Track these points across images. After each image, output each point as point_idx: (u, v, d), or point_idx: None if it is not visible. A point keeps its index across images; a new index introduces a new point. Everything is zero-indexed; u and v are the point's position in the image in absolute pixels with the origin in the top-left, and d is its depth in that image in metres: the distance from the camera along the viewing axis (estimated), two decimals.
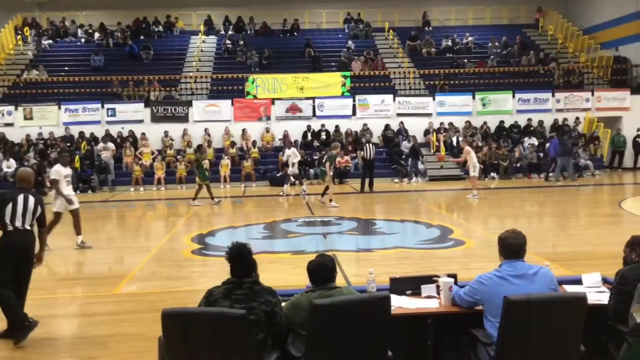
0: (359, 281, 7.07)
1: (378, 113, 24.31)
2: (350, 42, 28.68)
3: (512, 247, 4.20)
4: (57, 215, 10.59)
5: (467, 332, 4.27)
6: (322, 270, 4.09)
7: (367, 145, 19.26)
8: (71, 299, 7.74)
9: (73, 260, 10.40)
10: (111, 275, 9.14)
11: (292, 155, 18.89)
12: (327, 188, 15.97)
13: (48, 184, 10.52)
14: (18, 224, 6.09)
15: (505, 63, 27.41)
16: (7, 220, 6.08)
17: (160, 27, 30.51)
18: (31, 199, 6.24)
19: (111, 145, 22.13)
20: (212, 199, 16.54)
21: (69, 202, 10.65)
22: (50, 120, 23.63)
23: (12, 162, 21.66)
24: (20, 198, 6.18)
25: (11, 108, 23.63)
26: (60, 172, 10.67)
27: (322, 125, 23.86)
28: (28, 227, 6.19)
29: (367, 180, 19.05)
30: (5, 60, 27.98)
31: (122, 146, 22.76)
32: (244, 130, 23.61)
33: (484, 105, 24.60)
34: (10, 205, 6.11)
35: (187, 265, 9.59)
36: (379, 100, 24.41)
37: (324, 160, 16.14)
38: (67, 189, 10.77)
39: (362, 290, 4.54)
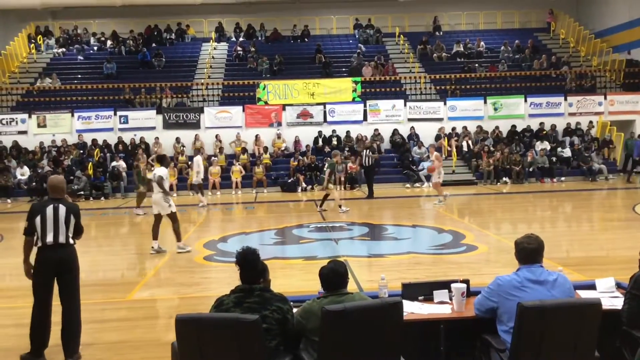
0: (371, 287, 7.06)
1: (389, 118, 24.29)
2: (360, 47, 28.71)
3: (526, 251, 4.17)
4: (174, 215, 10.86)
5: (480, 338, 4.25)
6: (334, 276, 4.08)
7: (364, 152, 19.28)
8: (84, 305, 7.75)
9: (86, 266, 10.44)
10: (124, 282, 9.20)
11: (196, 165, 18.36)
12: (325, 197, 16.13)
13: (160, 186, 10.85)
14: (49, 239, 5.59)
15: (517, 67, 27.33)
16: (38, 236, 5.61)
17: (172, 34, 30.72)
18: (62, 209, 5.67)
19: (122, 163, 22.11)
20: (138, 207, 16.66)
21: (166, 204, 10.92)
22: (63, 127, 23.82)
23: (25, 169, 21.86)
24: (50, 210, 5.63)
25: (25, 116, 23.84)
26: (167, 174, 11.13)
27: (333, 131, 23.88)
28: (62, 241, 5.65)
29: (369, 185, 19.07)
30: (19, 68, 28.27)
31: (135, 153, 22.87)
32: (257, 135, 23.66)
33: (495, 109, 24.53)
34: (38, 219, 5.61)
35: (199, 271, 9.62)
36: (390, 106, 24.40)
37: (325, 169, 16.18)
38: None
39: (374, 296, 4.54)
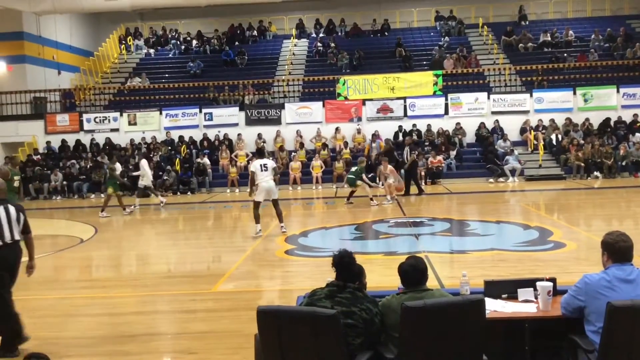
0: (452, 284, 6.96)
1: (472, 111, 23.78)
2: (443, 40, 28.24)
3: (623, 250, 4.00)
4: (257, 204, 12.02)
5: (567, 338, 4.12)
6: (414, 271, 4.06)
7: (405, 149, 19.30)
8: (173, 295, 8.09)
9: (174, 259, 10.88)
10: (210, 274, 9.48)
11: (141, 168, 18.14)
12: (352, 193, 16.67)
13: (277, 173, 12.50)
14: (7, 237, 5.84)
15: (609, 56, 26.07)
16: None
17: (254, 32, 31.32)
18: (11, 209, 5.95)
19: (206, 160, 22.75)
20: (124, 209, 16.70)
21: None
22: (152, 125, 24.80)
23: (117, 165, 22.82)
24: (1, 210, 5.88)
25: (116, 114, 25.01)
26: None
27: (414, 125, 23.62)
28: (17, 238, 5.95)
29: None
30: (111, 68, 29.68)
31: (219, 149, 23.53)
32: (337, 128, 23.73)
33: (585, 101, 23.51)
34: None
35: (280, 265, 9.78)
36: (472, 99, 23.86)
37: (355, 175, 16.49)
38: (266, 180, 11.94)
39: (456, 292, 4.47)
